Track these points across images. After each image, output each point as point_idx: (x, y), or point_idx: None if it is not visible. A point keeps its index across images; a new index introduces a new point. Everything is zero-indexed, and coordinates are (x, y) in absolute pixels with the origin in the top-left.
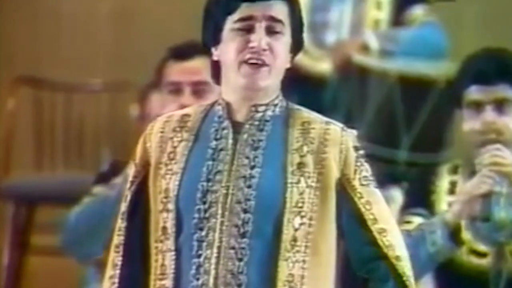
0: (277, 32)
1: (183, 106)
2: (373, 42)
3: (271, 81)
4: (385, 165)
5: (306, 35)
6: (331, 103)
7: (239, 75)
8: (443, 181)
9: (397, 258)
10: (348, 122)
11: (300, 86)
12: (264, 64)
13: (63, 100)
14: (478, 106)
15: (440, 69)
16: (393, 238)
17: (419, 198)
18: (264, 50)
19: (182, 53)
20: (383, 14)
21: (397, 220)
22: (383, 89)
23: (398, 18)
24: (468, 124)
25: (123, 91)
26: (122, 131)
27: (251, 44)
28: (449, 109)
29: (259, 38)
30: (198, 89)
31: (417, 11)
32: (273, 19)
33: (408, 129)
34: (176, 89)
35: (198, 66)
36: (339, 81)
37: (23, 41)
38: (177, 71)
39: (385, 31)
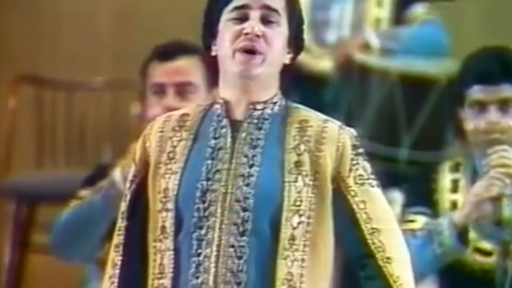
0: (272, 22)
1: (167, 108)
2: (374, 41)
3: (264, 70)
4: (386, 163)
5: (307, 34)
6: (332, 102)
7: (233, 64)
8: (445, 179)
9: (388, 259)
10: (349, 120)
11: (301, 85)
12: (257, 52)
13: (64, 98)
14: (481, 106)
15: (441, 68)
16: (386, 239)
17: (421, 197)
18: (258, 36)
19: (165, 53)
20: (384, 12)
21: (399, 220)
22: (384, 88)
23: (399, 17)
24: (472, 123)
25: (124, 89)
26: (124, 130)
27: (245, 31)
28: (451, 108)
29: (253, 25)
30: (182, 90)
31: (418, 10)
32: (268, 8)
33: (409, 128)
34: (160, 90)
35: (181, 67)
36: (340, 80)
37: (24, 40)
38: (160, 72)
39: (386, 29)
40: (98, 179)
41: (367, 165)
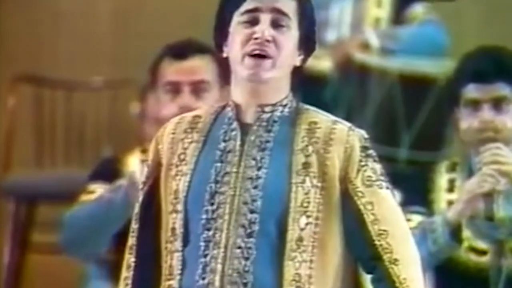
0: (282, 26)
1: (183, 107)
2: (374, 40)
3: (274, 74)
4: (385, 163)
5: None
6: (331, 101)
7: (243, 67)
8: (442, 179)
9: (395, 260)
10: (348, 120)
11: (300, 85)
12: (267, 56)
13: (63, 98)
14: (475, 105)
15: (440, 67)
16: (394, 240)
17: (418, 196)
18: (268, 41)
19: (180, 52)
20: (384, 12)
21: None
22: (384, 88)
23: (398, 16)
24: (466, 122)
25: (123, 88)
26: (123, 129)
27: (255, 35)
28: (449, 108)
29: (263, 29)
30: (197, 88)
31: (418, 9)
32: (278, 11)
33: (409, 128)
34: (175, 89)
35: (196, 65)
36: (339, 79)
37: (23, 39)
38: (175, 71)
39: (385, 29)
40: (106, 173)
41: (377, 167)
